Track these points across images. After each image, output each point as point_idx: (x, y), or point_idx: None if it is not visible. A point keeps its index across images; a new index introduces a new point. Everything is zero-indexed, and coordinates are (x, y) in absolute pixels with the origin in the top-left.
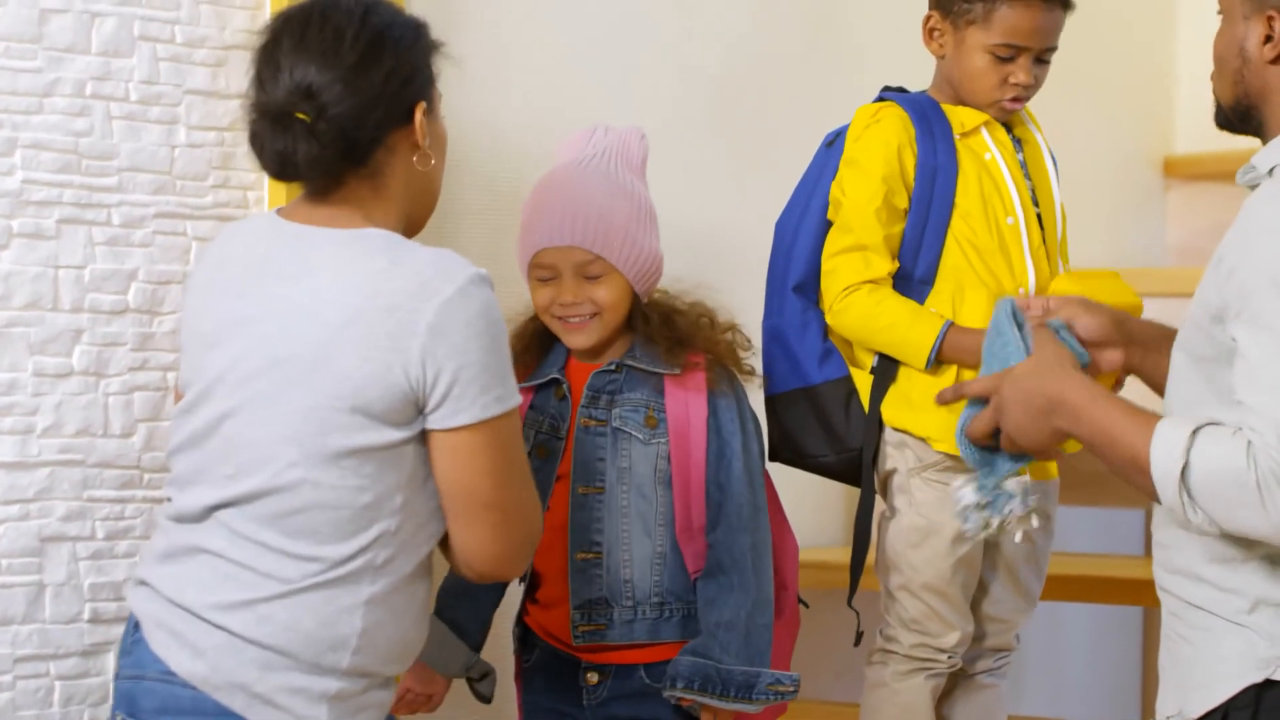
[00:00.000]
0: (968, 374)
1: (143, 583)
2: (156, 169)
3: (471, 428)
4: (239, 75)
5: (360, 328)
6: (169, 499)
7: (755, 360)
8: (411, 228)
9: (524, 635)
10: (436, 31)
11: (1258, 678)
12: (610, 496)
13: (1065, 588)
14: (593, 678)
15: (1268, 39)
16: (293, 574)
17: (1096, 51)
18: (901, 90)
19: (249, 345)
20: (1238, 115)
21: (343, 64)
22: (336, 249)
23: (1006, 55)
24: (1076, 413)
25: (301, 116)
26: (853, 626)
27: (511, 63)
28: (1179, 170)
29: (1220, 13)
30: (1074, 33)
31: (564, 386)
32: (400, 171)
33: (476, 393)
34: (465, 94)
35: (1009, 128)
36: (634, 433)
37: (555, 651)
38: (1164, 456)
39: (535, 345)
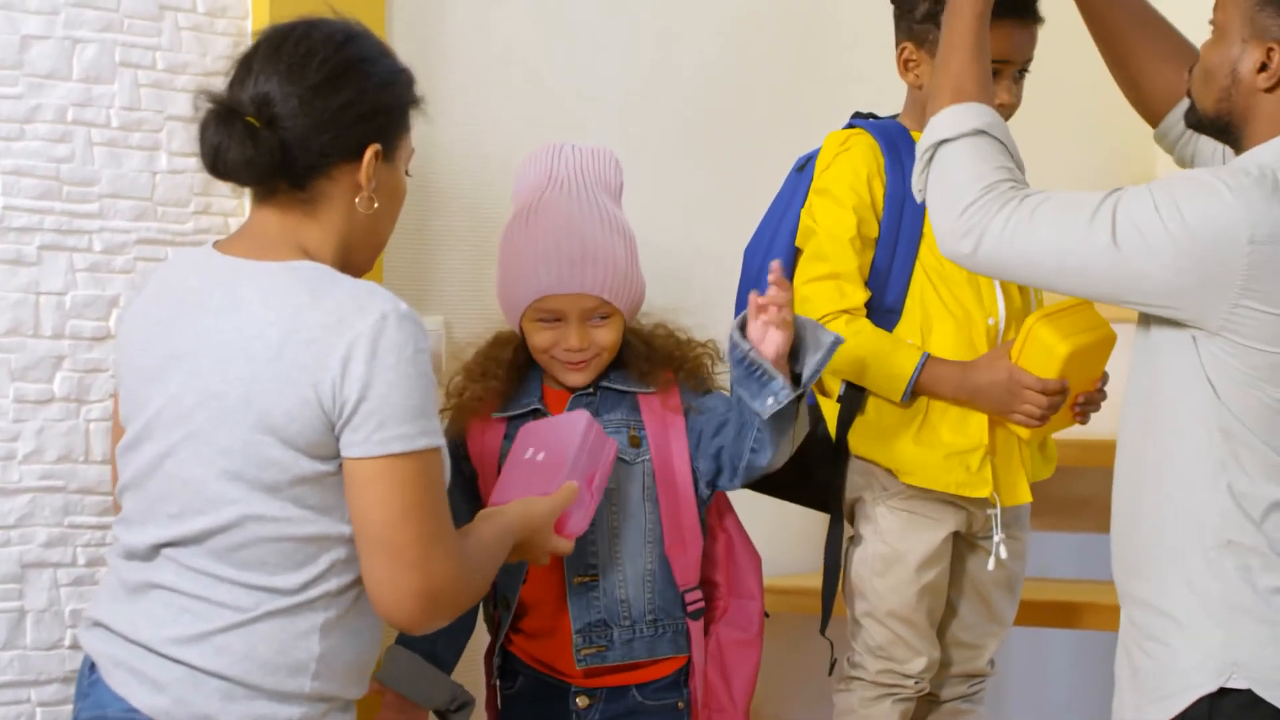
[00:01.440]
0: (938, 406)
1: (96, 624)
2: (138, 195)
3: (363, 461)
4: None
5: (283, 363)
6: (115, 538)
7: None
8: (351, 269)
9: (504, 664)
10: (419, 58)
11: (1212, 687)
12: (601, 518)
13: (1045, 613)
14: (583, 701)
15: (1263, 67)
16: (247, 603)
17: (1078, 73)
18: (872, 116)
19: (184, 381)
20: (1215, 127)
21: (304, 83)
22: (265, 281)
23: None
24: (957, 6)
25: (250, 120)
26: (824, 653)
27: (493, 89)
28: None
29: (1213, 24)
30: (1056, 54)
31: (547, 416)
32: (340, 206)
33: (373, 428)
34: (448, 120)
35: None
36: (620, 455)
37: (541, 678)
38: (953, 118)
39: (517, 376)
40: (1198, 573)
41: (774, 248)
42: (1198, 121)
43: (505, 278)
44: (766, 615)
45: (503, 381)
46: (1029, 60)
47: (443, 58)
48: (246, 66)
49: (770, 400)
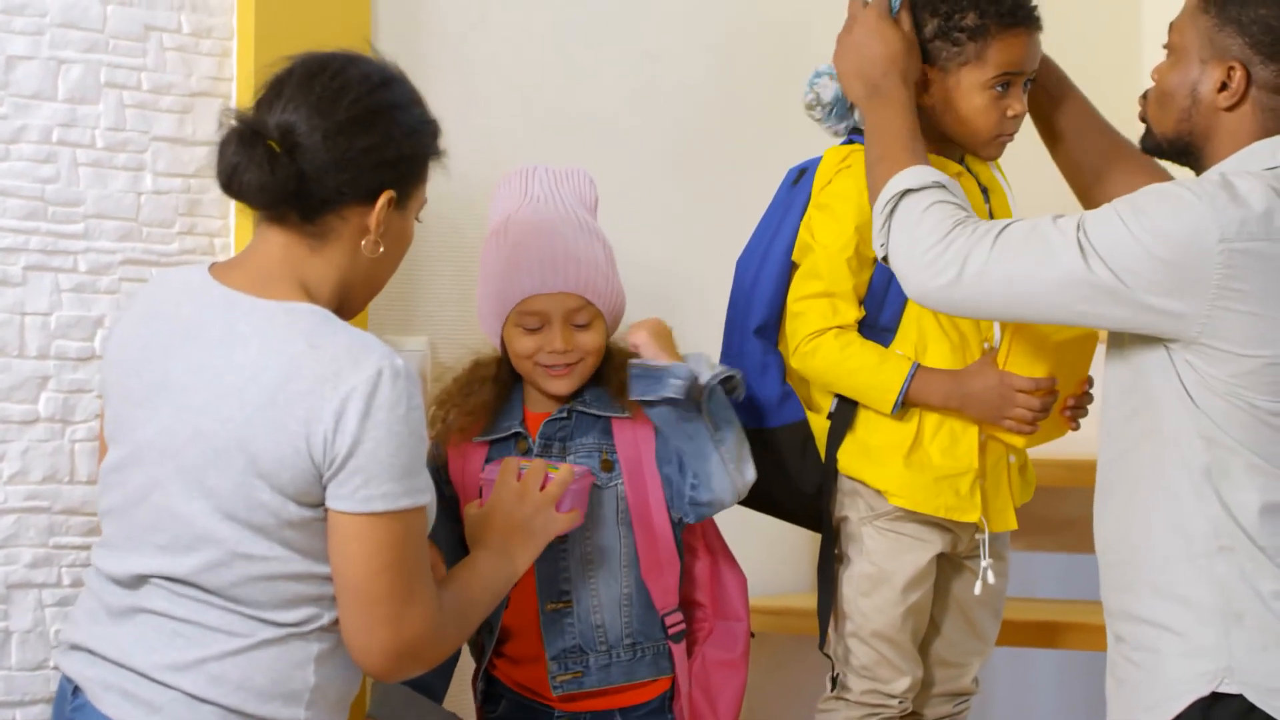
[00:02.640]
0: (931, 419)
1: (76, 647)
2: (123, 216)
3: (346, 515)
4: (205, 122)
5: (276, 410)
6: (95, 564)
7: None
8: (345, 308)
9: (488, 688)
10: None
11: (1204, 691)
12: (573, 543)
13: (1029, 633)
14: None
15: (1223, 86)
16: (241, 629)
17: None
18: None
19: (176, 414)
20: (1174, 149)
21: (331, 119)
22: (263, 321)
23: (1003, 86)
24: (892, 96)
25: (272, 145)
26: (812, 672)
27: (477, 110)
28: None
29: (1168, 48)
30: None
31: (528, 440)
32: (345, 245)
33: (359, 484)
34: None
35: (976, 177)
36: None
37: (525, 703)
38: (914, 174)
39: (500, 394)
40: (1188, 581)
41: (768, 261)
42: (1155, 145)
43: (486, 288)
44: (752, 635)
45: (489, 397)
46: (1035, 69)
47: (426, 78)
48: (277, 90)
49: (673, 382)
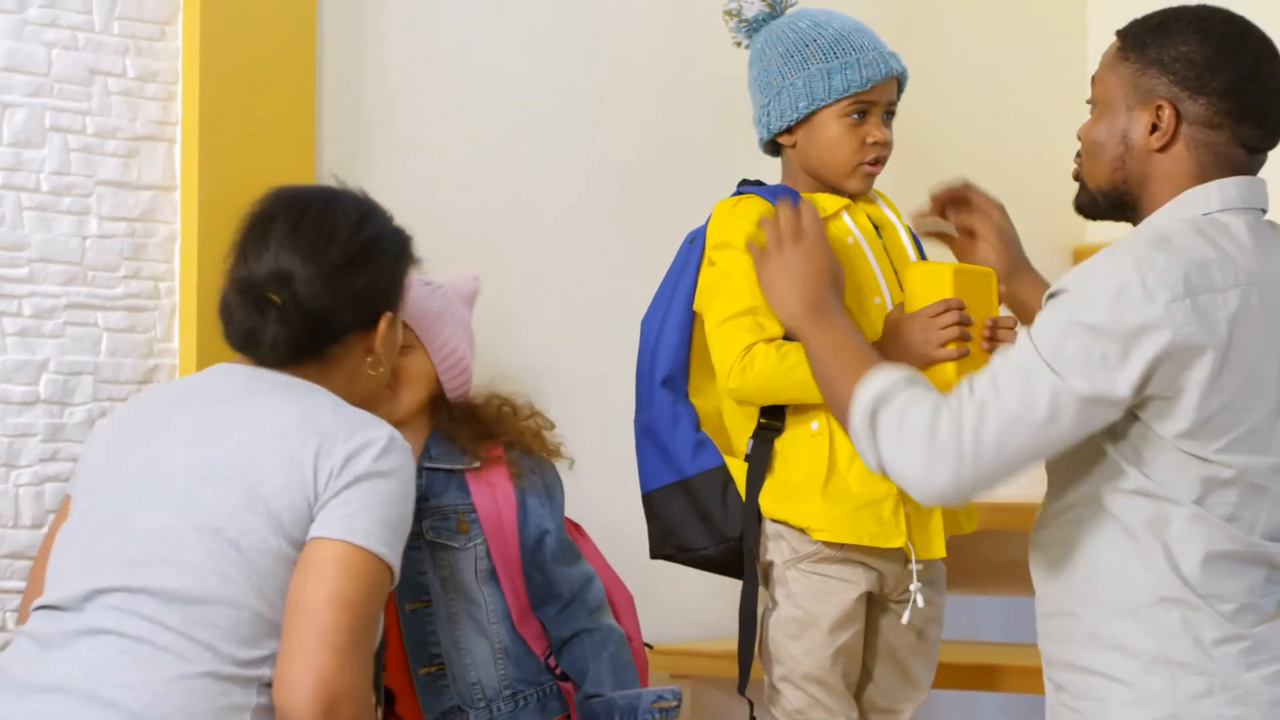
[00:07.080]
0: (845, 447)
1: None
2: (68, 260)
3: (326, 540)
4: (150, 166)
5: (288, 442)
6: (30, 617)
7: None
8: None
9: None
10: (347, 125)
11: None
12: (438, 607)
13: (972, 676)
14: None
15: (1154, 128)
16: (191, 654)
17: (1007, 144)
18: (759, 183)
19: (173, 447)
20: (1110, 201)
21: (327, 263)
22: (283, 385)
23: (859, 113)
24: (830, 309)
25: (274, 298)
26: (744, 716)
27: (419, 154)
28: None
29: (1092, 103)
30: (985, 125)
31: None
32: (349, 366)
33: (348, 513)
34: (373, 187)
35: (868, 215)
36: (448, 542)
37: None
38: (877, 379)
39: None
40: (1131, 632)
41: (670, 313)
42: (1090, 201)
43: None
44: (650, 647)
45: None
46: (893, 103)
47: (369, 124)
48: (263, 239)
49: None
